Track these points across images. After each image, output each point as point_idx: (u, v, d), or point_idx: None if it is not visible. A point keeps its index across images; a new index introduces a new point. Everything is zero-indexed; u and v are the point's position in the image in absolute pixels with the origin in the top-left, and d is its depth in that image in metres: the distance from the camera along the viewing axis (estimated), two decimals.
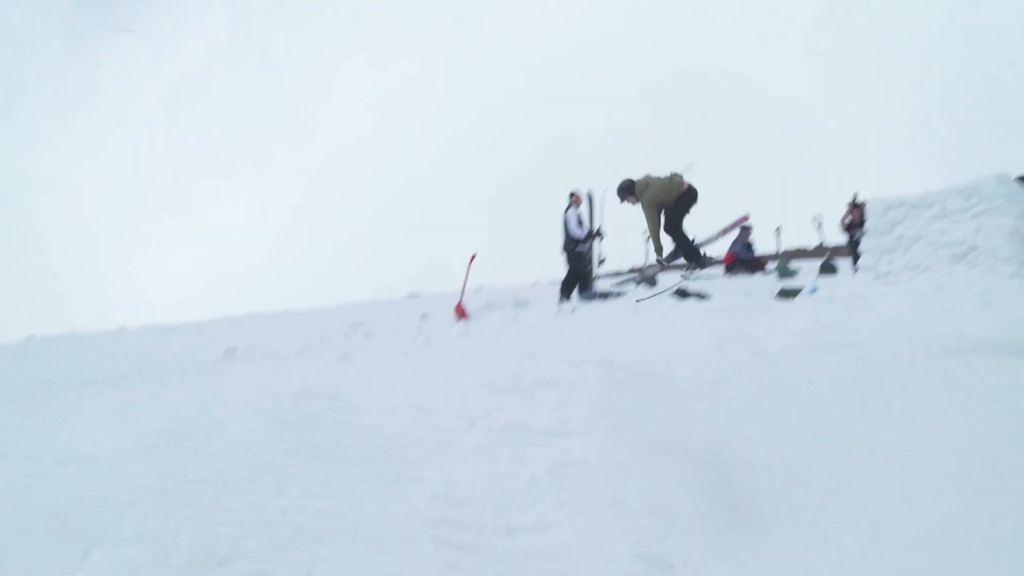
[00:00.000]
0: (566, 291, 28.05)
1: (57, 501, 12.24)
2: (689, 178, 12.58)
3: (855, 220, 30.07)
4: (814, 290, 25.12)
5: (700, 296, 25.54)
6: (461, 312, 25.24)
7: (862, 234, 27.68)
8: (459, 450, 15.20)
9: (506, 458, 15.01)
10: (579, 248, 28.07)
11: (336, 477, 13.99)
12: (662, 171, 13.65)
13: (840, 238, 31.66)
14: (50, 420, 15.15)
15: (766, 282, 28.81)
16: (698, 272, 13.88)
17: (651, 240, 13.11)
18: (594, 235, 28.76)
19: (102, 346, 24.22)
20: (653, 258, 12.94)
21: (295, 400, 15.93)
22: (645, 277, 30.80)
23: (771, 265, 31.06)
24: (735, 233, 16.09)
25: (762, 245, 32.87)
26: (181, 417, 15.05)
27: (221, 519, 12.64)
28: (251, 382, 17.36)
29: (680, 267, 13.57)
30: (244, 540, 12.38)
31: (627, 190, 13.06)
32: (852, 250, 29.66)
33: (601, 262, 28.79)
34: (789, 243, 32.96)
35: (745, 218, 13.23)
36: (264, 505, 13.05)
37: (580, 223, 28.27)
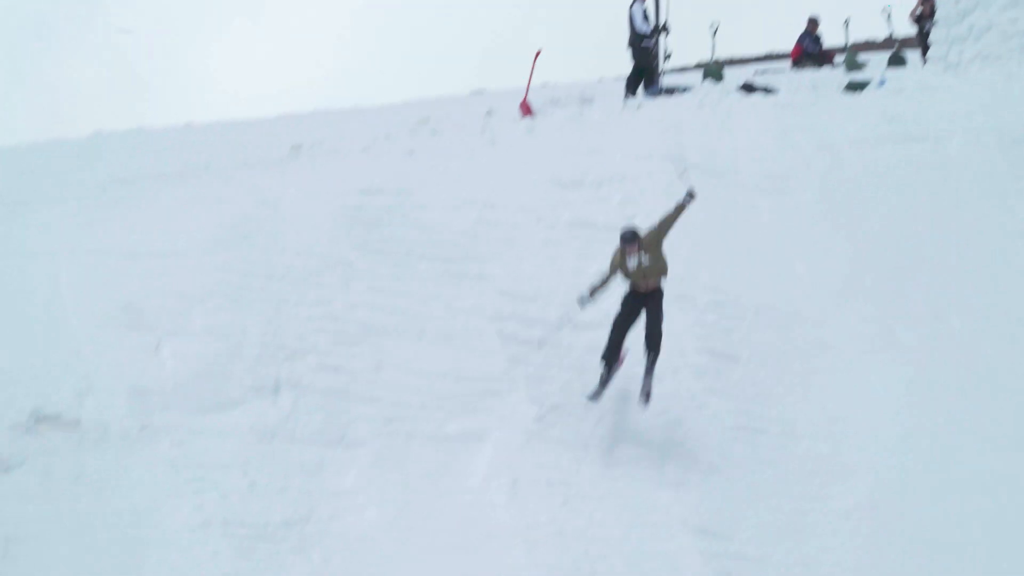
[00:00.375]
0: (631, 87, 27.43)
1: (128, 295, 12.30)
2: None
3: (925, 11, 28.96)
4: (882, 82, 24.43)
5: (767, 91, 24.98)
6: (526, 109, 24.72)
7: (932, 25, 26.80)
8: (525, 246, 15.07)
9: (572, 253, 14.88)
10: (645, 43, 27.36)
11: (403, 273, 13.93)
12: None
13: (910, 29, 30.61)
14: (119, 215, 15.14)
15: (834, 75, 27.95)
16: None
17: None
18: (660, 30, 28.05)
19: (169, 142, 23.99)
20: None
21: (361, 197, 15.78)
22: (710, 72, 29.99)
23: (839, 58, 30.07)
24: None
25: (830, 38, 31.86)
26: (248, 213, 15.00)
27: (290, 314, 12.68)
28: (317, 179, 17.22)
29: None
30: (313, 334, 12.45)
31: (631, 239, 11.93)
32: (922, 41, 28.58)
33: (667, 57, 28.10)
34: (857, 35, 31.92)
35: None
36: (332, 300, 13.05)
37: (646, 18, 27.50)
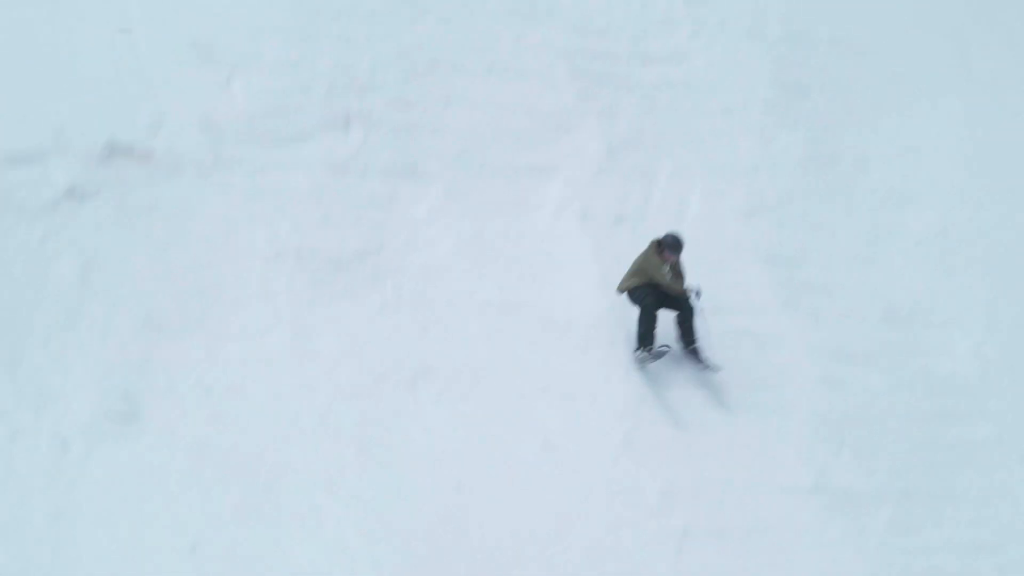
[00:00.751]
0: None
1: (199, 29, 12.15)
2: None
3: None
4: None
5: None
6: None
7: None
8: None
9: None
10: None
11: (472, 8, 13.70)
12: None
13: None
14: None
15: None
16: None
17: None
18: None
19: None
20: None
21: None
22: None
23: None
24: None
25: None
26: None
27: (360, 48, 12.51)
28: None
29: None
30: (383, 69, 12.32)
31: (674, 247, 10.01)
32: None
33: None
34: None
35: None
36: (401, 35, 12.87)
37: None
